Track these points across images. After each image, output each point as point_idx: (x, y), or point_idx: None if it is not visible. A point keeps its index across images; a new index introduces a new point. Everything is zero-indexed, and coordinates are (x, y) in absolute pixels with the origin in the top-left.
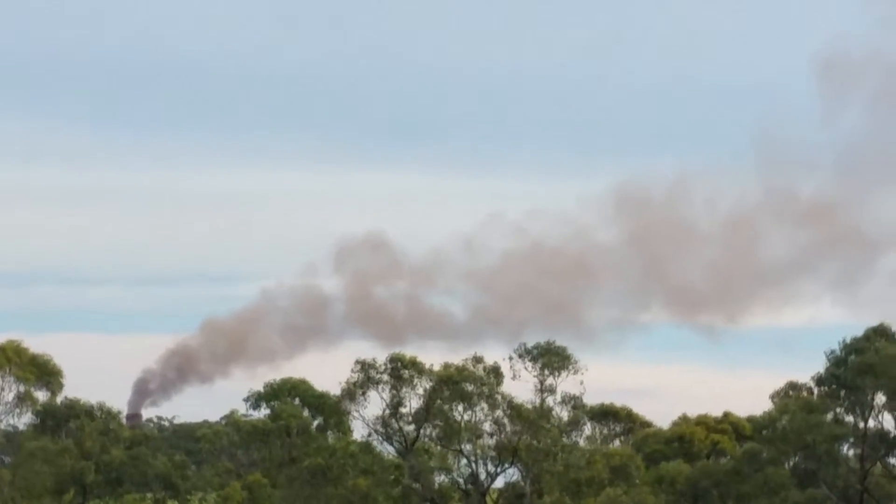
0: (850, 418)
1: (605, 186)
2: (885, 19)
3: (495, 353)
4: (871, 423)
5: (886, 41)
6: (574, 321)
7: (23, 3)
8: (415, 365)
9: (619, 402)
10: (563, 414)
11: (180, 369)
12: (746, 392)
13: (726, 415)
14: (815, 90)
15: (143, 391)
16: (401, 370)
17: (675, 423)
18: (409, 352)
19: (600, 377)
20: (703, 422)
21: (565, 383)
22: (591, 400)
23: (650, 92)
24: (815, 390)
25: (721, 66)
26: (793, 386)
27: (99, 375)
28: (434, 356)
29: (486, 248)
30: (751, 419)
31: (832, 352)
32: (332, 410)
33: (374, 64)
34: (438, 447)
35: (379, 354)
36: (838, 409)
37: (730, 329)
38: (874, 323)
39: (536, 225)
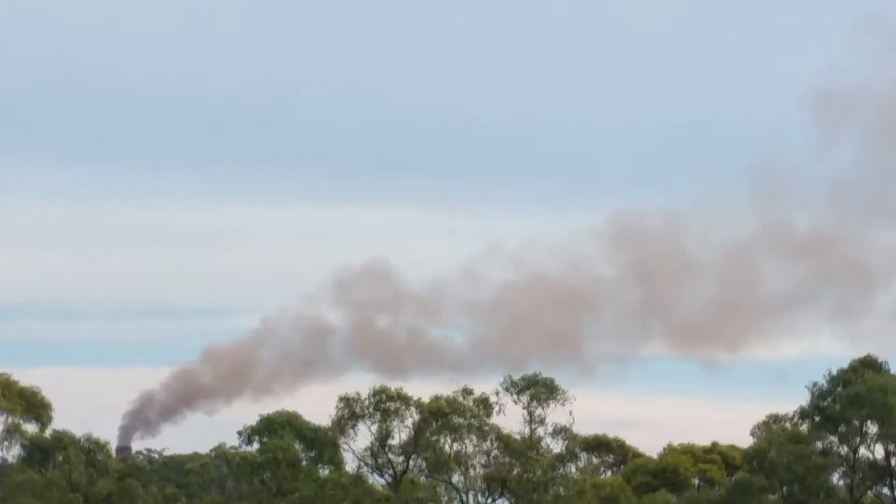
0: (840, 448)
1: (601, 220)
2: (873, 54)
3: (495, 385)
4: (862, 451)
5: (875, 76)
6: (574, 353)
7: None
8: (401, 397)
9: (611, 433)
10: (555, 445)
11: (183, 397)
12: (742, 423)
13: (714, 445)
14: (808, 124)
15: (137, 420)
16: (385, 403)
17: (660, 455)
18: (412, 384)
19: (593, 408)
20: (689, 451)
21: (554, 414)
22: (583, 430)
23: (643, 127)
24: (801, 422)
25: (714, 100)
26: (775, 418)
27: (86, 408)
28: (435, 388)
29: (485, 280)
30: (736, 449)
31: (815, 384)
32: (325, 443)
33: (367, 98)
34: (428, 479)
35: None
36: (827, 440)
37: (727, 361)
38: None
39: (534, 257)
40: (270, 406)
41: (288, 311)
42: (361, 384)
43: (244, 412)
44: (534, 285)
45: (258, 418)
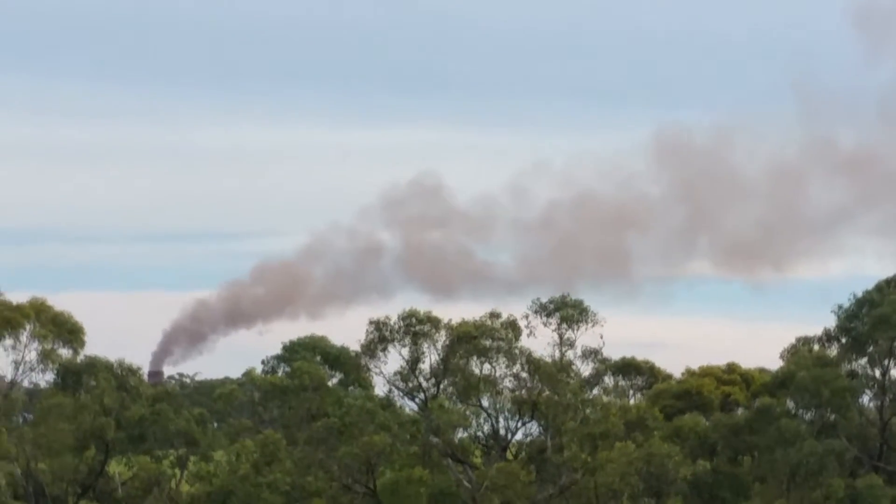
0: (868, 370)
1: (646, 137)
2: None
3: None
4: (893, 373)
5: None
6: (621, 273)
7: None
8: (431, 320)
9: (645, 356)
10: (585, 368)
11: (230, 315)
12: (781, 344)
13: (731, 366)
14: (852, 40)
15: (173, 343)
16: (415, 326)
17: (681, 377)
18: (461, 305)
19: (628, 331)
20: (708, 373)
21: (584, 337)
22: (616, 353)
23: (684, 42)
24: (828, 345)
25: (757, 15)
26: (804, 341)
27: (115, 334)
28: (483, 310)
29: (532, 198)
30: (764, 371)
31: (840, 307)
32: (352, 366)
33: (400, 17)
34: (457, 403)
35: (429, 307)
36: (856, 363)
37: (772, 281)
38: None
39: (580, 174)
40: (311, 328)
41: (337, 229)
42: (411, 305)
43: (288, 334)
44: (580, 204)
45: (282, 346)
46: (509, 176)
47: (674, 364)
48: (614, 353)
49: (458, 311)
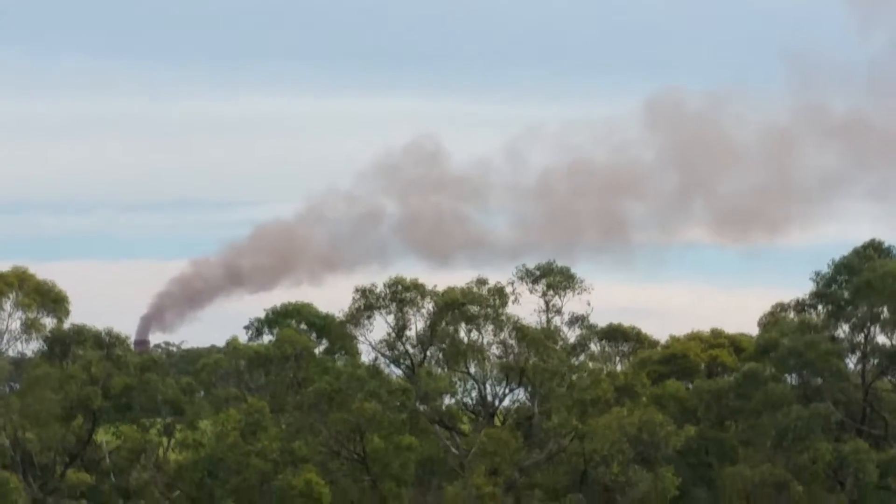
0: (851, 336)
1: (639, 104)
2: None
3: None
4: (880, 339)
5: None
6: (617, 240)
7: None
8: (417, 287)
9: (631, 322)
10: (571, 335)
11: (231, 278)
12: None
13: (715, 330)
14: (844, 8)
15: (165, 308)
16: (402, 293)
17: (666, 343)
18: (458, 272)
19: (614, 297)
20: (695, 338)
21: (570, 303)
22: (603, 320)
23: (677, 12)
24: (808, 311)
25: None
26: (781, 307)
27: (102, 303)
28: (474, 274)
29: (527, 164)
30: (746, 336)
31: (817, 273)
32: (338, 334)
33: None
34: (444, 369)
35: (423, 275)
36: (838, 328)
37: (765, 246)
38: None
39: (574, 141)
40: (307, 295)
41: (334, 194)
42: (409, 273)
43: (275, 300)
44: (575, 170)
45: (265, 311)
46: (504, 142)
47: (663, 330)
48: (603, 320)
49: (455, 278)
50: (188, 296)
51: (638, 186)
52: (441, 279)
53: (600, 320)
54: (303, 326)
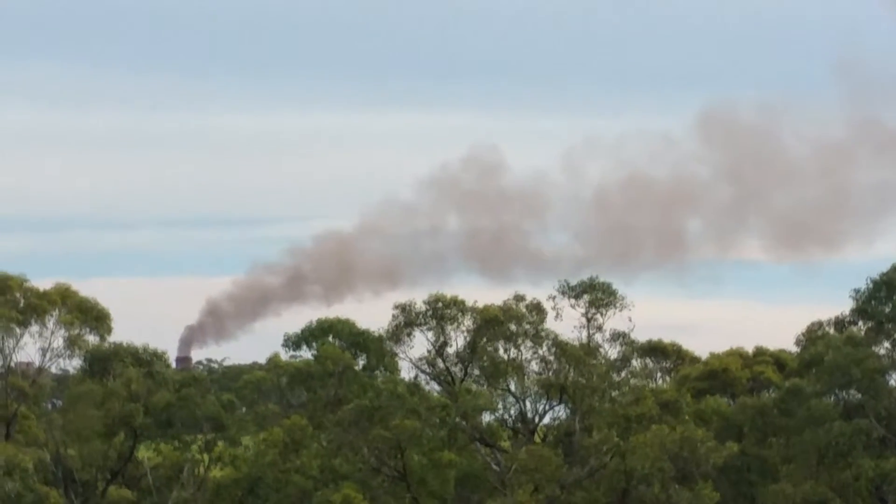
0: (891, 352)
1: (693, 117)
2: None
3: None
4: None
5: None
6: (675, 255)
7: None
8: (456, 304)
9: (674, 339)
10: (612, 351)
11: (292, 287)
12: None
13: (758, 348)
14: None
15: (212, 322)
16: (442, 310)
17: (707, 359)
18: (515, 285)
19: (657, 313)
20: (735, 354)
21: (613, 320)
22: (645, 336)
23: (725, 26)
24: (848, 328)
25: None
26: (818, 325)
27: (145, 320)
28: (538, 294)
29: (583, 179)
30: (787, 353)
31: (857, 291)
32: (376, 350)
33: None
34: (484, 386)
35: (480, 292)
36: (881, 345)
37: (820, 263)
38: None
39: (629, 154)
40: (352, 311)
41: (391, 209)
42: (465, 290)
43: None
44: (631, 184)
45: (302, 329)
46: (560, 156)
47: (707, 347)
48: (646, 336)
49: (508, 293)
50: (239, 311)
51: (694, 200)
52: (497, 296)
53: (643, 336)
54: (340, 343)
